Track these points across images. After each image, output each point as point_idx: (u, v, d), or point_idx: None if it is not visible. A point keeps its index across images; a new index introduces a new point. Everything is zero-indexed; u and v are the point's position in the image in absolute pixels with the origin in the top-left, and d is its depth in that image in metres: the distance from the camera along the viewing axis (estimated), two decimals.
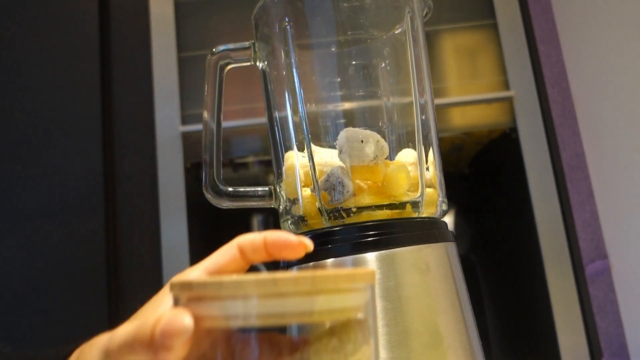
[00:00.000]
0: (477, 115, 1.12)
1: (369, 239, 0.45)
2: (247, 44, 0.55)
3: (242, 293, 0.26)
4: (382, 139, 0.48)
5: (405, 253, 0.45)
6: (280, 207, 0.53)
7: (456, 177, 1.45)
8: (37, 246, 1.03)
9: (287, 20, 0.51)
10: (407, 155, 0.52)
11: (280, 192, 0.53)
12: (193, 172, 1.14)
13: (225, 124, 0.56)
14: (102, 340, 0.34)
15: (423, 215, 0.49)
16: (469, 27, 1.15)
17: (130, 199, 1.01)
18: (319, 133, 0.53)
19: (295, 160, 0.51)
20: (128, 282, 1.11)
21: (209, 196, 0.53)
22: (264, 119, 0.57)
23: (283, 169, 0.52)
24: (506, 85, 1.11)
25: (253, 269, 1.19)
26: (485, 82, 1.12)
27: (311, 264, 0.46)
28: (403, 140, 0.53)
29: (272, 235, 0.36)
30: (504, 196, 1.24)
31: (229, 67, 0.55)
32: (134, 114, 1.16)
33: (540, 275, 1.05)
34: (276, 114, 0.55)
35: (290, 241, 0.35)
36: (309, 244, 0.36)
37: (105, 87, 1.16)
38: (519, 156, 1.09)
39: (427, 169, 0.51)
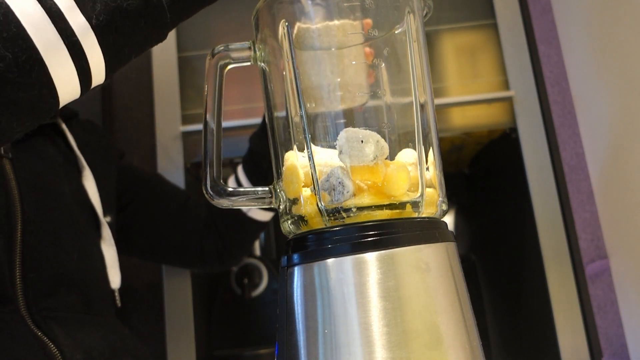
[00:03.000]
0: (477, 115, 1.12)
1: (369, 239, 0.45)
2: (247, 44, 0.55)
3: None
4: (382, 139, 0.48)
5: (405, 253, 0.45)
6: (280, 207, 0.53)
7: (456, 177, 1.46)
8: None
9: (287, 20, 0.51)
10: (407, 155, 0.52)
11: (280, 192, 0.53)
12: (193, 172, 1.14)
13: (225, 124, 0.56)
14: None
15: (423, 215, 0.49)
16: (469, 27, 1.15)
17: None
18: (318, 133, 0.53)
19: (295, 160, 0.51)
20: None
21: (208, 196, 0.53)
22: None
23: (283, 169, 0.52)
24: (506, 85, 1.11)
25: (254, 268, 1.18)
26: (485, 82, 1.12)
27: (313, 263, 0.46)
28: (403, 140, 0.53)
29: None
30: (504, 196, 1.24)
31: (229, 67, 0.55)
32: (134, 114, 1.16)
33: (540, 275, 1.05)
34: (276, 114, 0.55)
35: None
36: None
37: (105, 87, 1.16)
38: (519, 156, 1.09)
39: (427, 169, 0.51)
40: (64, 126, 0.84)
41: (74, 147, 0.83)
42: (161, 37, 0.53)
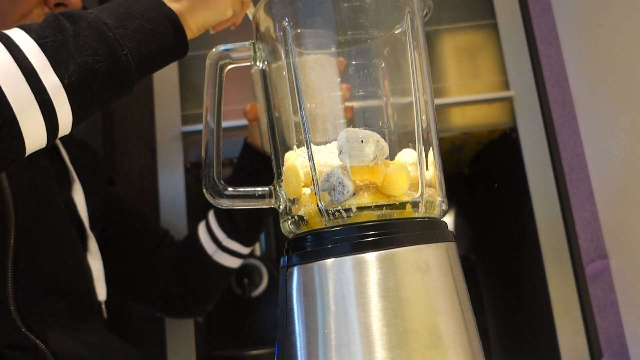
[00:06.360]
0: (477, 115, 1.12)
1: (369, 239, 0.45)
2: (247, 44, 0.55)
3: None
4: (382, 139, 0.48)
5: (405, 253, 0.45)
6: (280, 207, 0.53)
7: (456, 177, 1.46)
8: None
9: (287, 20, 0.51)
10: (407, 155, 0.52)
11: (280, 192, 0.53)
12: (193, 172, 1.14)
13: (225, 124, 0.56)
14: None
15: (423, 215, 0.49)
16: (469, 27, 1.15)
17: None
18: (319, 133, 0.53)
19: (295, 160, 0.51)
20: None
21: (208, 196, 0.53)
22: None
23: (283, 169, 0.52)
24: (506, 85, 1.11)
25: (254, 268, 1.18)
26: (485, 82, 1.12)
27: (313, 263, 0.46)
28: (403, 140, 0.53)
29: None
30: (504, 196, 1.24)
31: (229, 67, 0.55)
32: (134, 114, 1.16)
33: (540, 275, 1.05)
34: (276, 114, 0.55)
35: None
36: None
37: None
38: (519, 156, 1.09)
39: (427, 169, 0.51)
40: (58, 141, 0.85)
41: (66, 160, 0.84)
42: (127, 93, 0.56)
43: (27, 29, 0.51)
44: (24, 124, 0.48)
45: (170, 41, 0.57)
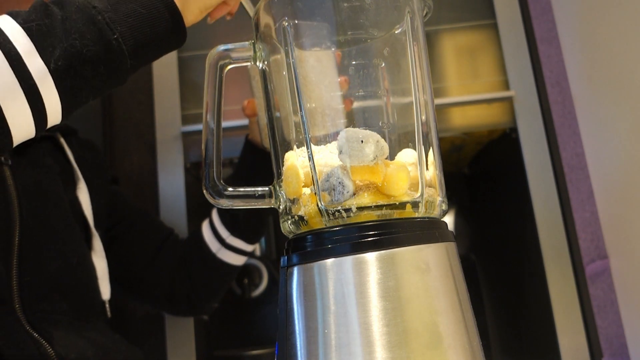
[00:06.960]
0: (477, 115, 1.12)
1: (369, 239, 0.45)
2: (247, 44, 0.55)
3: None
4: (382, 139, 0.48)
5: (405, 253, 0.45)
6: (280, 207, 0.53)
7: (456, 177, 1.46)
8: None
9: (287, 20, 0.51)
10: (407, 155, 0.52)
11: (280, 192, 0.53)
12: (193, 172, 1.14)
13: (225, 124, 0.56)
14: None
15: (423, 215, 0.49)
16: (469, 27, 1.15)
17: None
18: (319, 133, 0.53)
19: (295, 160, 0.51)
20: None
21: (208, 196, 0.53)
22: None
23: (283, 169, 0.52)
24: (506, 85, 1.11)
25: (254, 268, 1.18)
26: (485, 82, 1.12)
27: (313, 263, 0.46)
28: (403, 140, 0.53)
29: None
30: (504, 196, 1.24)
31: (229, 67, 0.55)
32: (134, 114, 1.16)
33: (540, 275, 1.05)
34: (276, 114, 0.55)
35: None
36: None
37: None
38: (519, 156, 1.09)
39: (427, 169, 0.51)
40: (62, 140, 0.85)
41: (71, 159, 0.84)
42: (121, 82, 0.54)
43: (15, 15, 0.50)
44: (8, 111, 0.47)
45: (166, 27, 0.55)
